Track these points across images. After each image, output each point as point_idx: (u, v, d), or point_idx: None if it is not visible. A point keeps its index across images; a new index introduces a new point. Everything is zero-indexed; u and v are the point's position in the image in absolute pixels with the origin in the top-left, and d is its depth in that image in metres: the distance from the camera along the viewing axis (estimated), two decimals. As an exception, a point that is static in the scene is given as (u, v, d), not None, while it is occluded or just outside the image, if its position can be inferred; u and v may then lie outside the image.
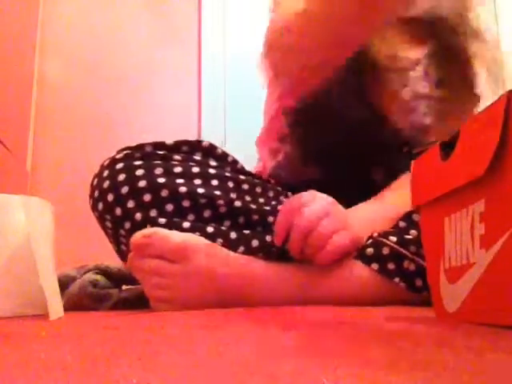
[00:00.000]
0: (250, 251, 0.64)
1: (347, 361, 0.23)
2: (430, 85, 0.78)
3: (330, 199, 0.66)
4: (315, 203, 0.64)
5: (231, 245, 0.64)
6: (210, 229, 0.64)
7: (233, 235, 0.65)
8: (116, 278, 0.80)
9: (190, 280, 0.60)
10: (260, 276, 0.63)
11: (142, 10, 1.87)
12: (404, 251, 0.63)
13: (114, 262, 0.80)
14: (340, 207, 0.66)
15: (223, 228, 0.65)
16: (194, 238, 0.62)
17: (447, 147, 0.40)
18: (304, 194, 0.66)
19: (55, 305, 0.53)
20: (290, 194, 0.77)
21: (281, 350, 0.26)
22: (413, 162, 0.47)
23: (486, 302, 0.35)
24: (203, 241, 0.62)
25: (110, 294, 0.75)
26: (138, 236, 0.60)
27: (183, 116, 1.82)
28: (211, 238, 0.63)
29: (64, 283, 0.74)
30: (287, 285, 0.64)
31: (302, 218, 0.62)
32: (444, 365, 0.21)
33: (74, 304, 0.71)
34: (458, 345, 0.27)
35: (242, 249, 0.64)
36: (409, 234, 0.64)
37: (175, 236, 0.61)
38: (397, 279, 0.62)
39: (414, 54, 0.78)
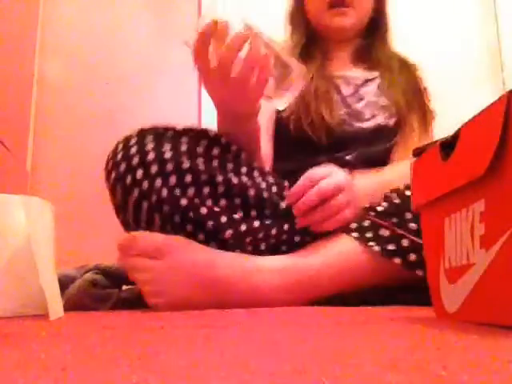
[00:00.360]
0: (236, 234, 0.69)
1: (347, 361, 0.23)
2: (388, 98, 0.95)
3: (347, 175, 0.73)
4: (334, 177, 0.71)
5: (221, 228, 0.69)
6: (203, 210, 0.69)
7: (223, 219, 0.69)
8: (116, 278, 0.80)
9: (175, 273, 0.64)
10: (241, 265, 0.68)
11: (142, 10, 1.87)
12: (380, 221, 0.69)
13: (113, 262, 0.80)
14: (353, 184, 0.74)
15: (216, 209, 0.70)
16: (176, 237, 0.66)
17: (447, 147, 0.40)
18: (323, 168, 0.73)
19: (55, 305, 0.53)
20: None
21: (281, 350, 0.26)
22: (413, 161, 0.47)
23: (486, 302, 0.35)
24: (183, 239, 0.66)
25: (109, 293, 0.75)
26: (122, 238, 0.65)
27: (183, 116, 1.82)
28: (204, 218, 0.68)
29: (64, 283, 0.74)
30: (273, 270, 0.68)
31: (322, 185, 0.69)
32: (444, 365, 0.21)
33: (74, 304, 0.71)
34: (458, 345, 0.27)
35: (229, 232, 0.69)
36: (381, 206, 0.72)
37: (157, 236, 0.66)
38: (372, 243, 0.68)
39: (361, 75, 0.98)
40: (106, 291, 0.76)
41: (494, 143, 0.33)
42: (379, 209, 0.71)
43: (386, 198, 0.72)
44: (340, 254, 0.70)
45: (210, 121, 1.99)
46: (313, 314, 0.53)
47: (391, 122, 0.94)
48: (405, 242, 0.67)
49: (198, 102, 1.83)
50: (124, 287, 0.79)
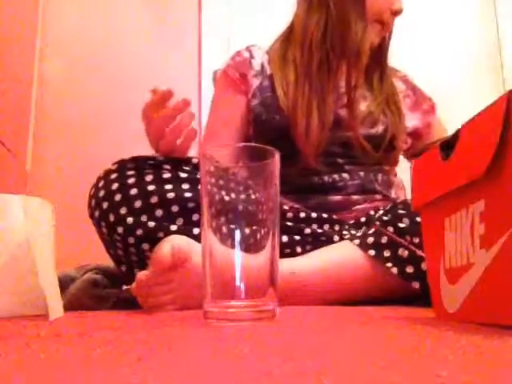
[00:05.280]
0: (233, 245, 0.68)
1: (347, 361, 0.23)
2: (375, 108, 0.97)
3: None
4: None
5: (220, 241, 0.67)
6: (195, 230, 0.67)
7: None
8: (116, 278, 0.80)
9: (189, 281, 0.61)
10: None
11: (142, 10, 1.87)
12: (399, 239, 0.68)
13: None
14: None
15: None
16: (186, 242, 0.62)
17: (447, 147, 0.40)
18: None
19: (55, 305, 0.53)
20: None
21: (281, 350, 0.26)
22: (413, 161, 0.47)
23: (486, 302, 0.35)
24: (188, 243, 0.62)
25: (109, 293, 0.75)
26: (167, 256, 0.59)
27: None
28: (197, 239, 0.65)
29: (64, 283, 0.74)
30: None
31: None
32: (444, 365, 0.21)
33: (74, 304, 0.71)
34: (458, 345, 0.27)
35: (229, 242, 0.67)
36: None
37: (164, 254, 0.60)
38: (390, 264, 0.67)
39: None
40: (105, 291, 0.76)
41: (494, 143, 0.33)
42: (400, 225, 0.69)
43: (409, 215, 0.69)
44: (344, 267, 0.69)
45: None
46: (312, 313, 0.53)
47: (379, 129, 0.94)
48: (424, 266, 0.64)
49: (198, 102, 1.83)
50: (124, 287, 0.79)
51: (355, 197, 0.90)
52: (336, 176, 0.90)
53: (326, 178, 0.90)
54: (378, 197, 0.92)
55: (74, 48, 1.80)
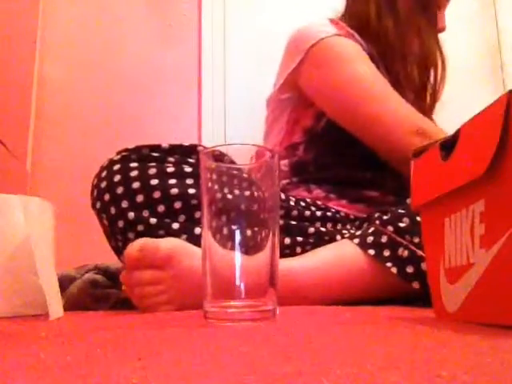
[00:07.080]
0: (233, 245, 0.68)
1: (347, 361, 0.23)
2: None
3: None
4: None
5: (220, 243, 0.67)
6: (197, 230, 0.67)
7: None
8: (116, 278, 0.80)
9: (185, 281, 0.61)
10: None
11: (142, 10, 1.87)
12: (398, 238, 0.68)
13: (113, 262, 0.80)
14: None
15: None
16: (180, 244, 0.62)
17: (447, 147, 0.40)
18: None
19: (55, 305, 0.53)
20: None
21: (281, 350, 0.26)
22: (413, 162, 0.47)
23: (486, 301, 0.35)
24: (185, 245, 0.63)
25: (109, 294, 0.75)
26: (132, 251, 0.60)
27: (183, 116, 1.82)
28: (198, 239, 0.65)
29: (64, 283, 0.75)
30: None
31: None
32: (444, 365, 0.21)
33: (74, 304, 0.71)
34: (458, 345, 0.27)
35: (229, 241, 0.67)
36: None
37: (163, 245, 0.61)
38: (371, 251, 0.67)
39: None
40: (105, 291, 0.76)
41: (494, 143, 0.33)
42: (401, 225, 0.69)
43: (409, 215, 0.69)
44: (343, 266, 0.68)
45: (210, 121, 1.99)
46: (312, 313, 0.53)
47: None
48: (424, 265, 0.64)
49: (197, 102, 1.83)
50: (124, 287, 0.79)
51: (391, 197, 0.91)
52: (378, 173, 0.91)
53: (367, 174, 0.91)
54: (408, 201, 0.92)
55: (73, 48, 1.80)
